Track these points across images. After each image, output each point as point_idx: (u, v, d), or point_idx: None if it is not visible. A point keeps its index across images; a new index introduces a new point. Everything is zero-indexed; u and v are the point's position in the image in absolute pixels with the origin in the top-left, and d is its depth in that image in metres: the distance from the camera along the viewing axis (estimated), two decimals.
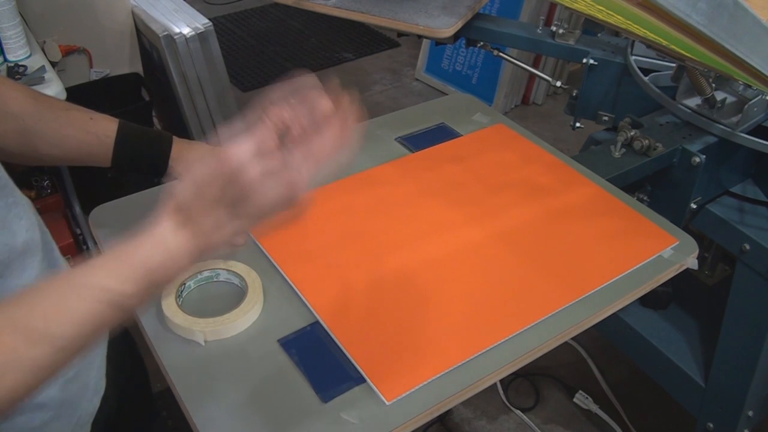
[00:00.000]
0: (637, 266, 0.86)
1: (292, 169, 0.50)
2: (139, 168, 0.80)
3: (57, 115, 0.75)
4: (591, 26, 1.36)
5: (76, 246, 1.85)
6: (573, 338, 1.06)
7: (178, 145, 0.81)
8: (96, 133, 0.77)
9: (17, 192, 0.56)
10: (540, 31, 1.33)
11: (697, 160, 1.06)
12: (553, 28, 1.31)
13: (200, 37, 2.06)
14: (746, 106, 1.07)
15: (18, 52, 1.59)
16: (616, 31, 1.15)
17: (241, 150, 0.48)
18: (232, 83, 2.77)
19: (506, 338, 0.76)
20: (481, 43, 1.37)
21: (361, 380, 0.71)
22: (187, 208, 0.49)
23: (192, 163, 0.80)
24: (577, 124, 1.35)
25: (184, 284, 0.79)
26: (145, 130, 0.80)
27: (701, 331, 1.35)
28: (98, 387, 0.65)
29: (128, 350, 0.81)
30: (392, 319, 0.77)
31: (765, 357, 1.16)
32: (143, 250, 0.49)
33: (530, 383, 1.71)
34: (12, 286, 0.53)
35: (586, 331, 0.81)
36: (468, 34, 1.34)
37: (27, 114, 0.72)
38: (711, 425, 1.29)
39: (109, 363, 0.69)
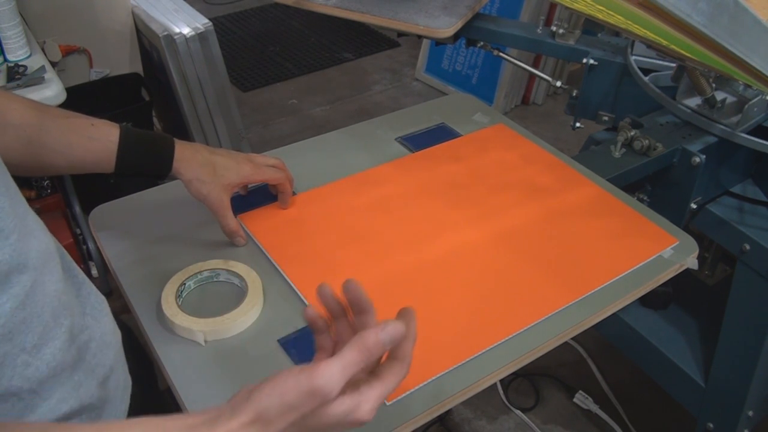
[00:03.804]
0: (637, 266, 0.86)
1: (365, 403, 0.51)
2: (142, 171, 0.80)
3: (59, 123, 0.75)
4: (591, 26, 1.36)
5: (76, 246, 1.85)
6: (573, 338, 1.06)
7: (180, 146, 0.81)
8: (99, 139, 0.77)
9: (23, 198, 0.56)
10: (540, 31, 1.33)
11: (697, 160, 1.06)
12: (553, 28, 1.31)
13: (200, 37, 2.06)
14: (746, 106, 1.07)
15: (18, 52, 1.59)
16: (616, 31, 1.15)
17: (333, 380, 0.48)
18: (232, 83, 2.77)
19: (506, 338, 0.76)
20: (481, 43, 1.37)
21: None
22: (266, 421, 0.48)
23: (194, 165, 0.81)
24: (577, 124, 1.35)
25: (184, 284, 0.79)
26: (147, 133, 0.80)
27: (701, 331, 1.35)
28: (126, 384, 0.66)
29: (136, 348, 0.81)
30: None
31: (765, 357, 1.16)
32: None
33: (530, 383, 1.71)
34: (49, 292, 0.53)
35: (586, 331, 0.81)
36: (468, 34, 1.34)
37: (29, 124, 0.72)
38: (711, 425, 1.29)
39: (128, 361, 0.69)
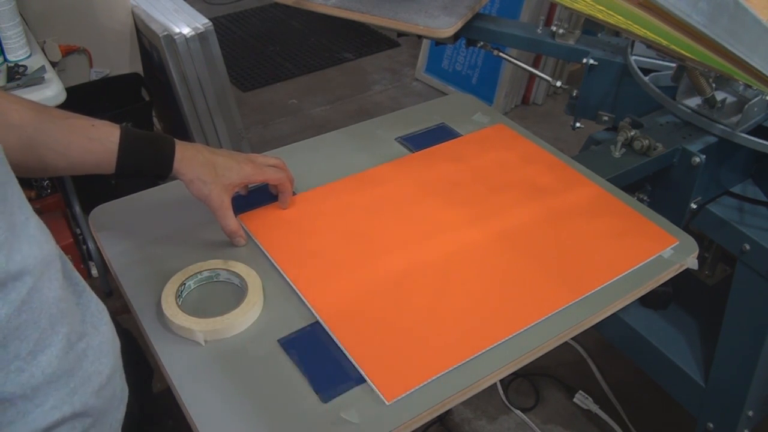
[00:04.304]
0: (637, 266, 0.86)
1: None
2: (143, 172, 0.80)
3: (59, 124, 0.75)
4: (591, 26, 1.36)
5: (76, 246, 1.85)
6: (573, 338, 1.06)
7: (181, 146, 0.81)
8: (100, 139, 0.77)
9: (28, 204, 0.56)
10: (540, 31, 1.33)
11: (697, 160, 1.06)
12: (553, 28, 1.31)
13: (200, 37, 2.06)
14: (746, 106, 1.07)
15: (18, 52, 1.59)
16: (616, 31, 1.15)
17: None
18: (232, 83, 2.77)
19: (506, 338, 0.76)
20: (481, 43, 1.37)
21: (361, 380, 0.71)
22: None
23: (195, 165, 0.81)
24: (577, 124, 1.35)
25: (184, 284, 0.79)
26: (148, 134, 0.80)
27: (701, 331, 1.35)
28: (123, 394, 0.65)
29: (134, 353, 0.81)
30: (392, 318, 0.77)
31: (765, 357, 1.16)
32: None
33: (530, 383, 1.71)
34: (47, 299, 0.53)
35: (586, 331, 0.81)
36: (468, 34, 1.34)
37: (29, 124, 0.72)
38: (711, 425, 1.29)
39: (125, 366, 0.69)
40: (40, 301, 0.52)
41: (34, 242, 0.52)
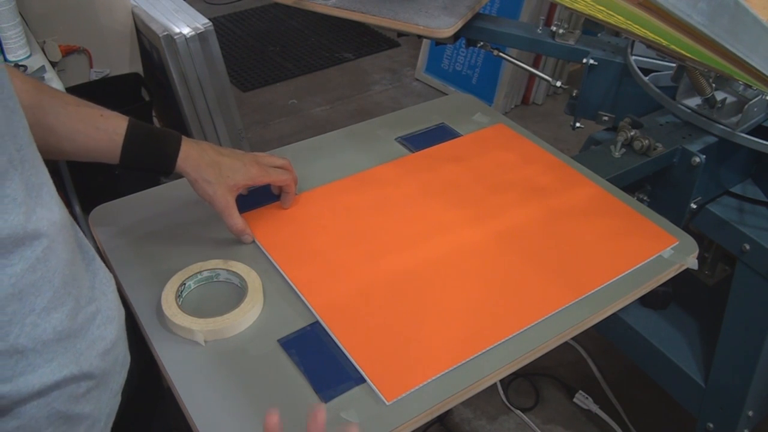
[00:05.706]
0: (637, 266, 0.86)
1: None
2: (146, 166, 0.80)
3: (68, 110, 0.76)
4: (591, 26, 1.36)
5: None
6: (573, 338, 1.06)
7: (186, 145, 0.82)
8: (106, 130, 0.77)
9: (45, 170, 0.58)
10: (540, 31, 1.33)
11: (697, 160, 1.06)
12: (553, 28, 1.31)
13: (200, 37, 2.06)
14: (746, 106, 1.07)
15: (18, 52, 1.59)
16: (616, 31, 1.15)
17: None
18: (232, 83, 2.77)
19: (506, 338, 0.76)
20: (481, 43, 1.37)
21: (361, 380, 0.71)
22: None
23: (201, 165, 0.81)
24: (577, 124, 1.35)
25: (184, 284, 0.79)
26: (155, 129, 0.81)
27: (701, 331, 1.35)
28: (125, 360, 0.68)
29: (135, 331, 0.82)
30: (392, 318, 0.77)
31: (765, 357, 1.16)
32: None
33: (530, 383, 1.71)
34: (61, 260, 0.55)
35: (586, 331, 0.81)
36: (468, 34, 1.34)
37: (37, 106, 0.73)
38: (711, 425, 1.29)
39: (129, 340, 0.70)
40: (55, 261, 0.55)
41: (50, 205, 0.55)
